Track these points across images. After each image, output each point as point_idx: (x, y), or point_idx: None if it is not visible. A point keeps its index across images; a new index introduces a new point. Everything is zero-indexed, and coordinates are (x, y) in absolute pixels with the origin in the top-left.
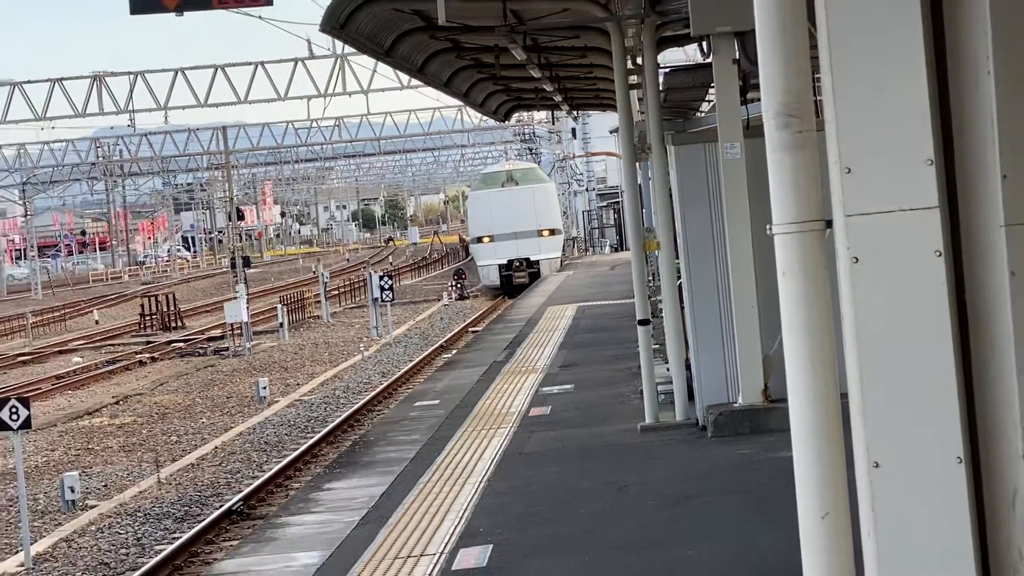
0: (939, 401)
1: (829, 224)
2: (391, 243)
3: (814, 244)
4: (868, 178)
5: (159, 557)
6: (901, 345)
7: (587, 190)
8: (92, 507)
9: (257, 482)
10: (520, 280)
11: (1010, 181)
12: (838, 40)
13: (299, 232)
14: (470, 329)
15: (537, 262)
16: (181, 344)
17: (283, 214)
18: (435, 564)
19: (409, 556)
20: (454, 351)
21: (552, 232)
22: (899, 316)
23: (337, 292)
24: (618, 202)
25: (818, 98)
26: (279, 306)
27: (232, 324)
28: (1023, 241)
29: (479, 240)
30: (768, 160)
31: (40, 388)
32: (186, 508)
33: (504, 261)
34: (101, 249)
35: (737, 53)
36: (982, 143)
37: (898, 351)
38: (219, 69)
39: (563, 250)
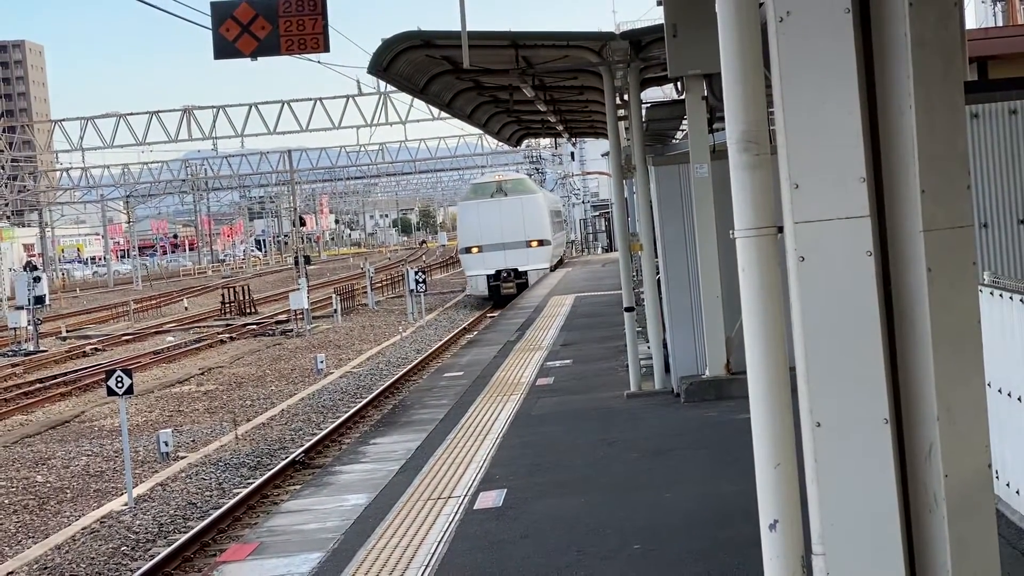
0: (869, 373)
1: (780, 229)
2: (424, 245)
3: (768, 246)
4: (812, 192)
5: (237, 498)
6: (838, 327)
7: (583, 202)
8: (182, 458)
9: (315, 438)
10: (508, 291)
11: (927, 195)
12: (788, 82)
13: (349, 236)
14: (488, 315)
15: (525, 273)
16: (254, 326)
17: (336, 221)
18: (460, 504)
19: (439, 498)
20: (475, 332)
21: (540, 243)
22: (837, 303)
23: (380, 285)
24: (608, 212)
25: (772, 127)
26: (333, 295)
27: (295, 310)
28: (937, 244)
29: (467, 250)
30: (731, 177)
31: (140, 361)
32: (258, 459)
33: (492, 271)
34: (189, 249)
35: (705, 91)
36: (905, 164)
37: (836, 332)
38: (285, 104)
39: (551, 260)
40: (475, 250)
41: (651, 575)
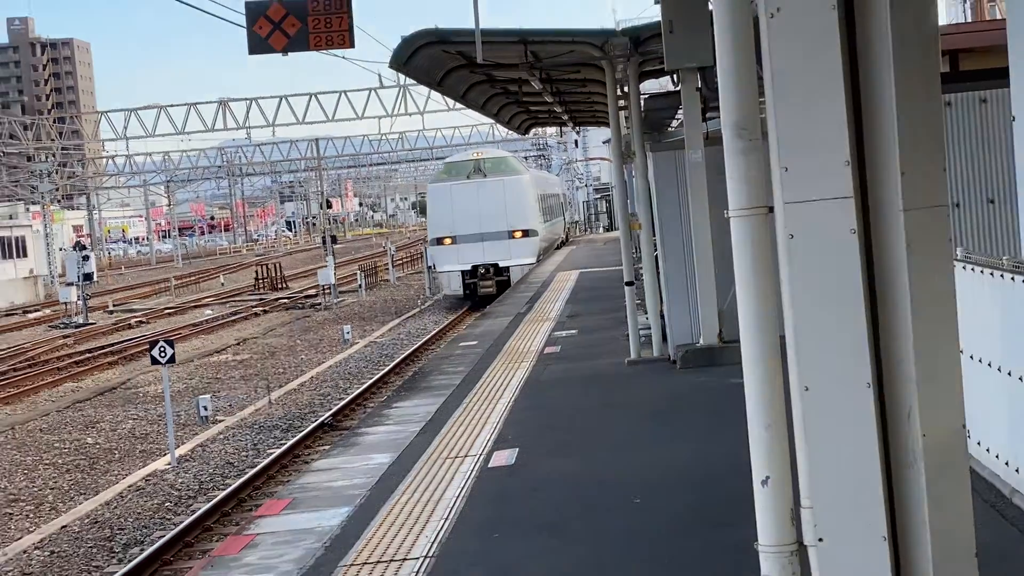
0: (853, 340)
1: (771, 209)
2: None
3: (760, 224)
4: (800, 175)
5: (270, 458)
6: (825, 298)
7: (586, 186)
8: (220, 421)
9: (343, 402)
10: (487, 290)
11: (907, 177)
12: (778, 74)
13: (372, 217)
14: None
15: (507, 269)
16: (285, 300)
17: (360, 204)
18: (476, 462)
19: (457, 456)
20: (488, 306)
21: (525, 233)
22: (823, 277)
23: (401, 262)
24: (609, 194)
25: (763, 115)
26: (358, 272)
27: (323, 285)
28: (916, 222)
29: (439, 241)
30: (726, 161)
31: (181, 333)
32: (290, 422)
33: (468, 267)
34: (225, 230)
35: (699, 83)
36: (886, 148)
37: (823, 303)
38: (313, 96)
39: (537, 253)
40: (447, 241)
41: (651, 526)
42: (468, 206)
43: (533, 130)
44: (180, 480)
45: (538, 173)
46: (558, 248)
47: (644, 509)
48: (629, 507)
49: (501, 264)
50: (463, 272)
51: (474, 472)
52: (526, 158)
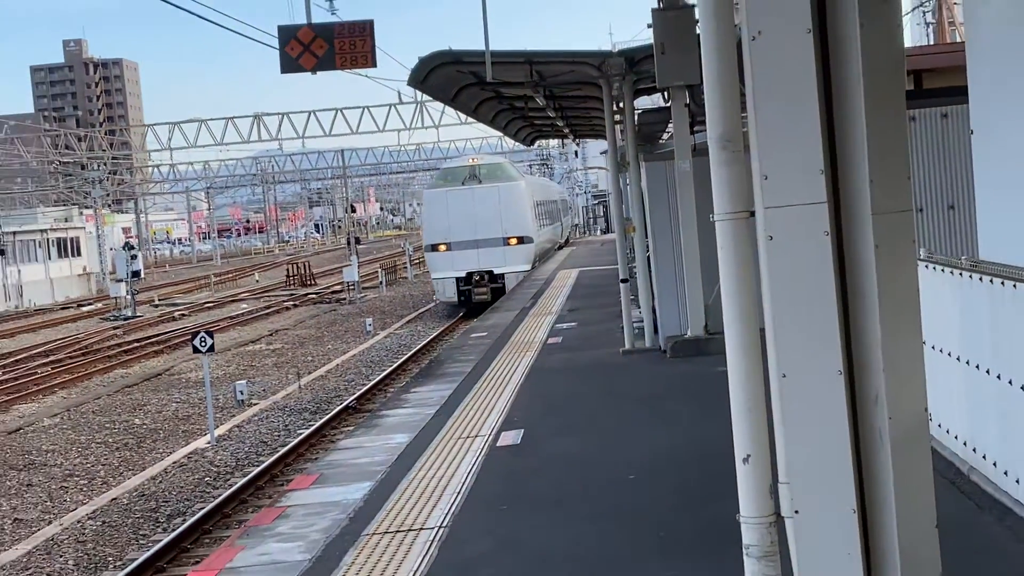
0: (826, 332)
1: (752, 214)
2: None
3: (742, 227)
4: (779, 182)
5: (300, 437)
6: (800, 294)
7: (585, 193)
8: (254, 404)
9: (365, 387)
10: (481, 297)
11: (875, 185)
12: (759, 91)
13: (392, 221)
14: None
15: (502, 276)
16: (314, 295)
17: (381, 208)
18: (486, 442)
19: (468, 437)
20: (497, 301)
21: (521, 240)
22: (799, 275)
23: (418, 261)
24: (606, 200)
25: (745, 129)
26: (379, 270)
27: (348, 282)
28: (883, 225)
29: (434, 248)
30: (712, 171)
31: (220, 324)
32: (317, 405)
33: (462, 274)
34: (259, 232)
35: (687, 99)
36: (857, 159)
37: (798, 298)
38: (339, 111)
39: (532, 260)
40: (442, 248)
41: (643, 501)
42: (463, 212)
43: (537, 142)
44: (219, 457)
45: (535, 179)
46: (559, 249)
47: (638, 485)
48: (624, 483)
49: (496, 271)
50: (457, 279)
51: (483, 451)
52: (530, 166)
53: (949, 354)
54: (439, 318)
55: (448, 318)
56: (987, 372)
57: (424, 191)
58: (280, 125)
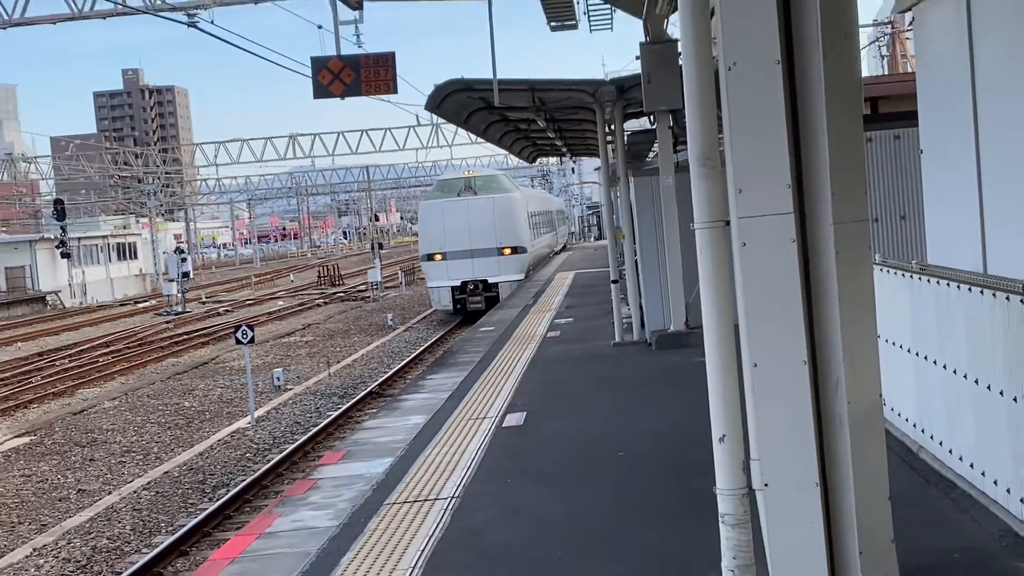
0: (792, 327)
1: (728, 223)
2: None
3: (719, 235)
4: (751, 196)
5: (329, 418)
6: (770, 293)
7: (580, 204)
8: (289, 389)
9: (387, 375)
10: (475, 305)
11: (836, 198)
12: (734, 115)
13: (411, 228)
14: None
15: (496, 285)
16: (341, 294)
17: (402, 217)
18: (493, 423)
19: (477, 418)
20: (502, 299)
21: (515, 250)
22: (769, 277)
23: None
24: (599, 210)
25: (721, 148)
26: (399, 272)
27: (372, 282)
28: (843, 233)
29: (430, 257)
30: (692, 185)
31: (259, 319)
32: (345, 390)
33: (457, 283)
34: (294, 238)
35: (671, 122)
36: (820, 175)
37: (768, 296)
38: (364, 132)
39: (525, 270)
40: (438, 257)
41: (632, 474)
42: (458, 223)
43: (538, 159)
44: (258, 436)
45: (530, 191)
46: (557, 254)
47: (627, 460)
48: (615, 459)
49: (490, 280)
50: (452, 288)
51: (491, 431)
52: (532, 181)
53: (901, 347)
54: (452, 315)
55: (460, 314)
56: (934, 362)
57: (421, 202)
58: (312, 144)
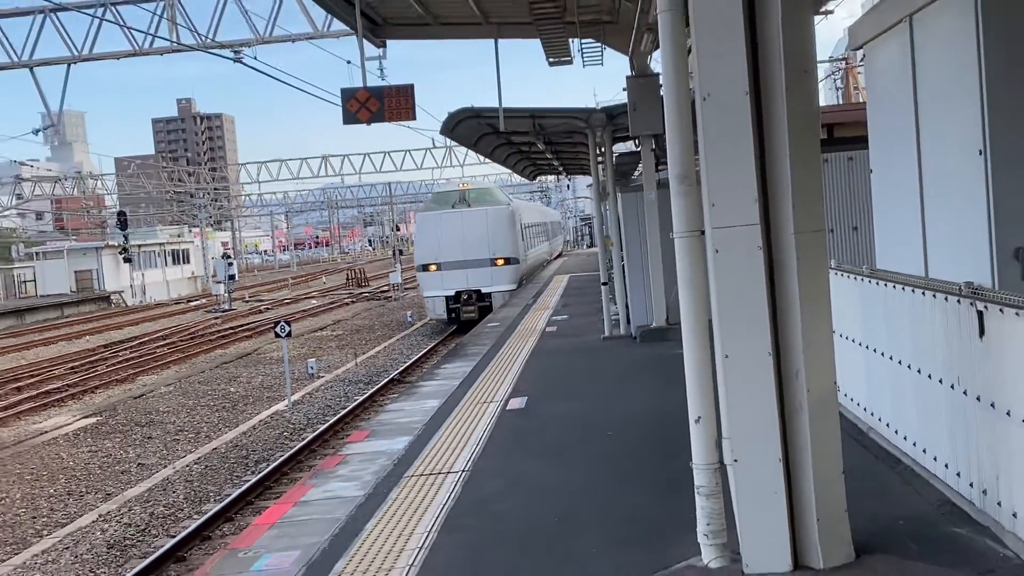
0: (758, 321)
1: (703, 232)
2: None
3: (695, 243)
4: (723, 208)
5: (356, 402)
6: (739, 293)
7: (575, 216)
8: (321, 377)
9: (406, 364)
10: (469, 315)
11: (797, 210)
12: (708, 139)
13: None
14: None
15: (489, 295)
16: (367, 294)
17: None
18: (498, 406)
19: (484, 402)
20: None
21: (507, 261)
22: (738, 278)
23: None
24: (591, 222)
25: (697, 168)
26: (417, 275)
27: (393, 284)
28: (803, 241)
29: (424, 268)
30: (672, 200)
31: (296, 316)
32: (370, 377)
33: (452, 293)
34: (326, 245)
35: (654, 145)
36: (783, 189)
37: (738, 296)
38: (387, 153)
39: (517, 281)
40: (433, 268)
41: (620, 451)
42: (453, 234)
43: (538, 177)
44: (294, 417)
45: (524, 203)
46: (553, 260)
47: (615, 440)
48: (605, 439)
49: (483, 290)
50: (447, 297)
51: (497, 413)
52: (532, 195)
53: (853, 340)
54: (446, 324)
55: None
56: (882, 354)
57: (416, 213)
58: (342, 164)
